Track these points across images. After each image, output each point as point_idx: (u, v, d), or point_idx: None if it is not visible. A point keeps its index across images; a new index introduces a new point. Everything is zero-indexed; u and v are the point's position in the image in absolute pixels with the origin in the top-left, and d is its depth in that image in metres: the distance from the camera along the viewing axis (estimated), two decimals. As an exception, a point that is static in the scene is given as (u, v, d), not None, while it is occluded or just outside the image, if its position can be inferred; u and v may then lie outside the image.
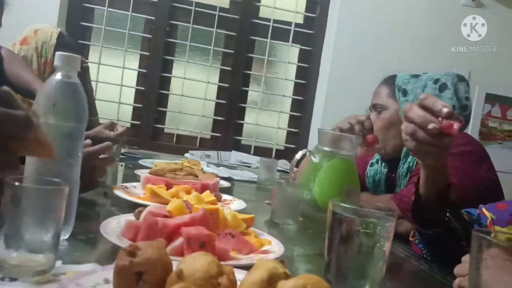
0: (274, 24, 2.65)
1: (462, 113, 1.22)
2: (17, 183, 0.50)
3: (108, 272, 0.49)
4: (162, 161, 1.58)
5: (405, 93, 1.25)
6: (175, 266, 0.47)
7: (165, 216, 0.71)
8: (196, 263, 0.45)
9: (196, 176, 1.22)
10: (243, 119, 2.71)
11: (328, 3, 2.67)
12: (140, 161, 1.57)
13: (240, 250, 0.67)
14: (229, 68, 2.65)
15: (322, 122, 2.58)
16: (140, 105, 2.59)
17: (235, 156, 2.57)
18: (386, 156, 1.30)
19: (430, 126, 0.70)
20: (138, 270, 0.45)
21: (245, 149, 2.69)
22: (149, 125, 2.60)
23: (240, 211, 0.94)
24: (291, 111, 2.75)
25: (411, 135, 0.74)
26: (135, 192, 1.04)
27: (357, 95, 2.57)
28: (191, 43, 2.57)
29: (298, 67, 2.74)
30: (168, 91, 2.62)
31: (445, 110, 0.71)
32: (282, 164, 2.61)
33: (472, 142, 1.19)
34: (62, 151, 0.63)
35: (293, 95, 2.74)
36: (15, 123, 0.36)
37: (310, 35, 2.72)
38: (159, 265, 0.46)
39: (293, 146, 2.75)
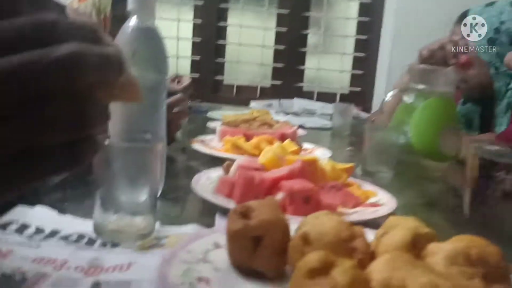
0: (333, -41, 2.45)
1: None
2: (111, 143, 0.45)
3: (217, 235, 0.44)
4: (230, 113, 1.52)
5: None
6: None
7: (257, 170, 0.65)
8: (322, 224, 0.38)
9: (271, 125, 1.15)
10: (303, 65, 2.59)
11: None
12: (209, 114, 1.52)
13: (345, 203, 0.60)
14: (286, 12, 2.50)
15: (389, 62, 2.41)
16: (198, 57, 2.52)
17: (298, 104, 2.48)
18: (473, 96, 1.17)
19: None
20: (256, 234, 0.39)
21: (308, 95, 2.58)
22: (208, 77, 2.54)
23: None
24: (354, 52, 2.59)
25: None
26: (212, 145, 0.99)
27: (428, 31, 2.36)
28: (246, -12, 2.44)
29: (361, 4, 2.54)
30: (225, 40, 2.53)
31: None
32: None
33: None
34: (147, 106, 0.57)
35: (356, 34, 2.57)
36: (109, 65, 0.29)
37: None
38: (278, 228, 0.40)
39: (358, 89, 2.61)
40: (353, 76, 2.62)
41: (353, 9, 2.56)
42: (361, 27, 2.56)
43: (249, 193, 0.57)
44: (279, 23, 2.53)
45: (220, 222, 0.53)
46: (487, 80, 1.13)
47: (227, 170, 0.69)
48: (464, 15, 1.18)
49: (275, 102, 2.46)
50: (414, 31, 2.37)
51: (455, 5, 2.34)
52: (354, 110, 2.41)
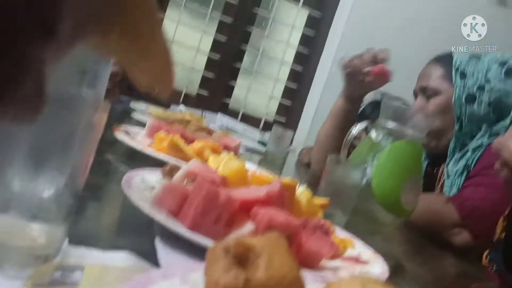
0: (286, -18, 2.39)
1: None
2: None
3: (179, 280, 0.26)
4: (156, 108, 1.32)
5: (463, 76, 1.06)
6: None
7: (217, 184, 0.48)
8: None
9: (210, 133, 0.97)
10: (235, 81, 2.45)
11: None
12: (131, 104, 1.29)
13: (327, 253, 0.45)
14: (229, 21, 2.36)
15: (320, 98, 2.38)
16: (124, 44, 2.26)
17: (221, 120, 2.32)
18: (438, 149, 1.10)
19: None
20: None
21: (232, 114, 2.44)
22: (130, 68, 2.29)
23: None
24: (287, 80, 2.52)
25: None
26: (139, 139, 0.79)
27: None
28: (193, -16, 2.27)
29: (304, 35, 2.49)
30: (158, 34, 2.31)
31: None
32: (267, 137, 2.39)
33: None
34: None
35: (292, 63, 2.51)
36: None
37: (322, 0, 2.47)
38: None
39: (284, 119, 2.53)
40: (281, 105, 2.55)
41: (295, 38, 2.51)
42: (299, 58, 2.51)
43: (209, 214, 0.39)
44: (219, 31, 2.38)
45: (165, 255, 0.35)
46: (447, 132, 1.08)
47: (169, 176, 0.50)
48: (443, 58, 1.13)
49: (197, 112, 2.28)
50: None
51: (396, 52, 2.41)
52: (264, 138, 2.33)
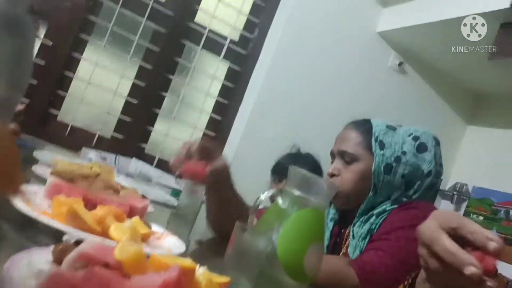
0: (209, 34, 2.45)
1: (434, 180, 1.14)
2: None
3: None
4: (63, 159, 1.25)
5: (382, 145, 1.12)
6: None
7: (106, 266, 0.46)
8: None
9: (117, 191, 0.94)
10: (152, 126, 2.42)
11: (268, 27, 2.55)
12: (35, 153, 1.21)
13: None
14: (150, 67, 2.35)
15: (237, 148, 2.42)
16: (35, 81, 2.15)
17: (135, 165, 2.26)
18: (346, 208, 1.16)
19: (468, 271, 0.50)
20: None
21: (148, 159, 2.39)
22: (40, 107, 2.17)
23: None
24: (206, 129, 2.53)
25: (437, 274, 0.55)
26: (36, 201, 0.74)
27: (279, 127, 2.47)
28: (114, 27, 2.24)
29: (224, 85, 2.55)
30: (74, 73, 2.23)
31: (492, 245, 0.50)
32: (183, 183, 2.36)
33: None
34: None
35: (212, 112, 2.54)
36: None
37: (242, 55, 2.56)
38: None
39: (200, 167, 2.52)
40: (199, 152, 2.54)
41: (215, 88, 2.55)
42: (218, 107, 2.55)
43: (98, 310, 0.37)
44: (138, 76, 2.36)
45: None
46: (361, 197, 1.12)
47: (59, 257, 0.47)
48: (361, 125, 1.17)
49: (110, 156, 2.20)
50: (267, 121, 2.44)
51: (308, 109, 2.54)
52: (180, 186, 2.30)
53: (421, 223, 0.99)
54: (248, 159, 2.42)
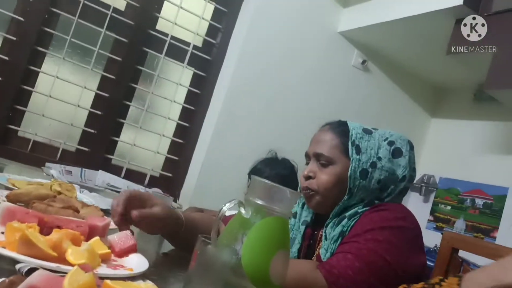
0: (171, 41, 2.42)
1: (408, 184, 1.14)
2: None
3: None
4: (20, 178, 1.21)
5: (358, 150, 1.11)
6: None
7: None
8: None
9: (77, 210, 0.91)
10: (118, 136, 2.38)
11: (231, 32, 2.55)
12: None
13: None
14: (112, 77, 2.31)
15: (206, 153, 2.40)
16: (-8, 98, 2.08)
17: (102, 177, 2.22)
18: (322, 211, 1.15)
19: None
20: None
21: (115, 170, 2.35)
22: (-1, 124, 2.10)
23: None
24: (174, 136, 2.51)
25: None
26: (-11, 229, 0.71)
27: (247, 130, 2.47)
28: (73, 39, 2.19)
29: (189, 91, 2.53)
30: (33, 87, 2.17)
31: None
32: (152, 192, 2.33)
33: (410, 218, 1.08)
34: None
35: (179, 119, 2.52)
36: None
37: (206, 61, 2.55)
38: None
39: (170, 174, 2.50)
40: (167, 160, 2.52)
41: (181, 95, 2.53)
42: (185, 114, 2.53)
43: None
44: (101, 87, 2.32)
45: None
46: (335, 200, 1.11)
47: (8, 291, 0.46)
48: (337, 127, 1.15)
49: (76, 170, 2.15)
50: (235, 125, 2.44)
51: (275, 111, 2.55)
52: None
53: (391, 224, 1.00)
54: (217, 164, 2.41)
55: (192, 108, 2.52)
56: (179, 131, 2.53)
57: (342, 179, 1.10)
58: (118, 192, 2.17)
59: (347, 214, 1.09)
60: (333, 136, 1.14)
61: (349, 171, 1.09)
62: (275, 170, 1.91)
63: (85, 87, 2.25)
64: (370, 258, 0.97)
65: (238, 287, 0.80)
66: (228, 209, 0.84)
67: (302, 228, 1.18)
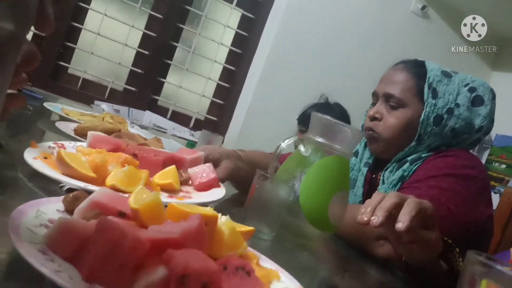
0: (220, -20, 2.33)
1: (483, 136, 1.04)
2: None
3: None
4: (73, 109, 1.21)
5: (435, 94, 1.01)
6: None
7: (121, 215, 0.42)
8: None
9: (145, 144, 0.90)
10: (165, 78, 2.36)
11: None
12: (45, 104, 1.17)
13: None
14: (160, 16, 2.27)
15: (252, 98, 2.36)
16: (42, 34, 2.09)
17: (149, 117, 2.23)
18: (383, 155, 1.08)
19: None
20: None
21: (161, 111, 2.36)
22: (50, 59, 2.12)
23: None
24: (220, 80, 2.47)
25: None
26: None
27: (295, 75, 2.39)
28: (121, -25, 2.14)
29: (237, 34, 2.45)
30: (82, 24, 2.16)
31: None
32: (197, 136, 2.33)
33: (479, 167, 1.00)
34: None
35: (225, 63, 2.46)
36: None
37: (255, 2, 2.45)
38: None
39: (215, 118, 2.48)
40: (213, 104, 2.49)
41: (228, 37, 2.46)
42: (232, 57, 2.47)
43: (113, 261, 0.34)
44: (149, 26, 2.28)
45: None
46: (402, 145, 1.05)
47: (70, 207, 0.44)
48: (413, 66, 1.07)
49: (123, 109, 2.16)
50: (282, 69, 2.37)
51: (325, 56, 2.45)
52: (195, 137, 2.27)
53: (457, 172, 0.93)
54: (263, 109, 2.37)
55: (239, 51, 2.45)
56: (225, 74, 2.48)
57: (411, 125, 1.02)
58: (165, 132, 2.18)
59: (409, 158, 1.02)
60: (408, 76, 1.05)
61: (422, 116, 1.00)
62: (330, 115, 1.79)
63: (133, 26, 2.22)
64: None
65: (294, 226, 0.77)
66: (286, 145, 0.80)
67: (364, 170, 1.11)
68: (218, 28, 2.42)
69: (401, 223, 0.62)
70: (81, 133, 0.90)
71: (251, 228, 0.53)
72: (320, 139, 0.79)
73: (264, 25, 2.43)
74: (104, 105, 1.58)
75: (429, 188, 0.92)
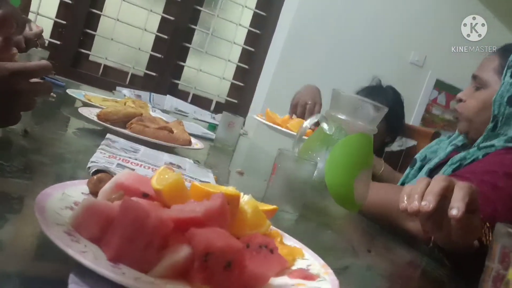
0: (237, -40, 2.29)
1: None
2: None
3: None
4: (95, 95, 1.23)
5: None
6: None
7: (144, 196, 0.42)
8: None
9: (171, 131, 0.90)
10: (184, 61, 2.36)
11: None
12: (68, 91, 1.18)
13: (273, 271, 0.41)
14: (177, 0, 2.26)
15: (272, 79, 2.34)
16: (63, 22, 2.11)
17: (170, 102, 2.23)
18: (469, 138, 1.06)
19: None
20: None
21: (182, 95, 2.36)
22: (71, 47, 2.14)
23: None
24: (239, 62, 2.45)
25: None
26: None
27: (313, 57, 2.36)
28: (138, -40, 2.13)
29: (255, 14, 2.43)
30: (101, 11, 2.17)
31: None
32: (219, 118, 2.33)
33: None
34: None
35: (244, 44, 2.44)
36: None
37: (273, -18, 2.41)
38: None
39: (236, 101, 2.48)
40: (233, 86, 2.48)
41: (246, 18, 2.43)
42: (250, 38, 2.44)
43: (138, 241, 0.34)
44: (167, 10, 2.27)
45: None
46: (480, 123, 1.01)
47: (95, 189, 0.44)
48: (505, 50, 1.02)
49: (145, 94, 2.17)
50: (301, 53, 2.34)
51: (344, 34, 2.40)
52: (217, 119, 2.27)
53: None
54: (284, 90, 2.34)
55: (258, 32, 2.43)
56: (245, 56, 2.46)
57: (489, 105, 0.98)
58: (187, 116, 2.19)
59: (482, 145, 0.97)
60: (495, 57, 1.03)
61: (495, 95, 0.96)
62: (385, 100, 1.61)
63: (151, 10, 2.22)
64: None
65: (318, 205, 0.77)
66: (309, 125, 0.79)
67: (450, 149, 1.09)
68: (236, 9, 2.39)
69: (456, 210, 0.58)
70: (104, 118, 0.90)
71: (274, 206, 0.52)
72: (343, 117, 0.78)
73: (282, 4, 2.39)
74: (126, 91, 1.60)
75: (481, 183, 0.85)
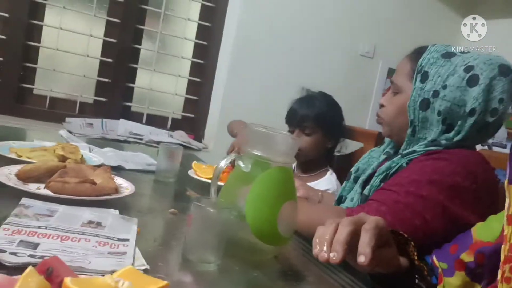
0: (174, -28, 2.26)
1: (481, 120, 0.92)
2: None
3: None
4: (24, 144, 1.18)
5: (425, 77, 0.95)
6: None
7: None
8: None
9: (94, 183, 0.86)
10: (133, 82, 2.32)
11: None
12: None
13: None
14: (117, 20, 2.21)
15: (225, 90, 2.32)
16: (0, 58, 2.04)
17: (124, 126, 2.20)
18: (393, 139, 1.09)
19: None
20: None
21: (136, 117, 2.33)
22: (12, 83, 2.08)
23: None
24: (190, 75, 2.42)
25: None
26: None
27: (264, 61, 2.34)
28: (69, -15, 2.08)
29: (199, 25, 2.40)
30: (38, 42, 2.11)
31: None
32: (179, 136, 2.31)
33: (475, 175, 0.88)
34: None
35: (192, 57, 2.41)
36: None
37: (214, -11, 2.38)
38: None
39: (192, 115, 2.45)
40: (187, 101, 2.46)
41: (191, 31, 2.40)
42: (198, 51, 2.42)
43: None
44: (107, 33, 2.22)
45: None
46: (399, 128, 1.03)
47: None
48: (417, 53, 1.00)
49: (96, 121, 2.13)
50: (250, 59, 2.32)
51: (290, 33, 2.40)
52: (177, 138, 2.24)
53: (444, 179, 0.86)
54: (238, 99, 2.33)
55: (205, 43, 2.40)
56: (195, 69, 2.43)
57: (405, 110, 0.99)
58: (141, 139, 2.15)
59: (404, 152, 0.98)
60: (407, 61, 1.03)
61: (409, 100, 0.97)
62: (315, 108, 1.59)
63: (91, 35, 2.17)
64: (406, 215, 0.85)
65: (244, 245, 0.75)
66: (225, 165, 0.78)
67: (382, 157, 1.10)
68: (179, 22, 2.36)
69: (363, 257, 0.59)
70: (24, 177, 0.87)
71: (164, 283, 0.51)
72: (257, 152, 0.76)
73: (225, 13, 2.37)
74: (63, 132, 1.54)
75: (407, 195, 0.86)
